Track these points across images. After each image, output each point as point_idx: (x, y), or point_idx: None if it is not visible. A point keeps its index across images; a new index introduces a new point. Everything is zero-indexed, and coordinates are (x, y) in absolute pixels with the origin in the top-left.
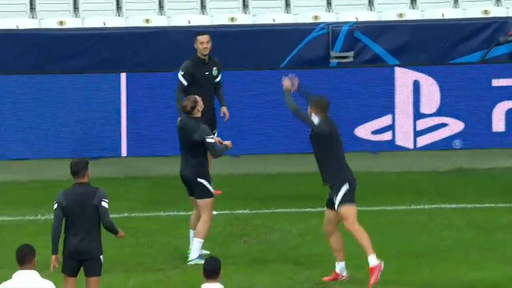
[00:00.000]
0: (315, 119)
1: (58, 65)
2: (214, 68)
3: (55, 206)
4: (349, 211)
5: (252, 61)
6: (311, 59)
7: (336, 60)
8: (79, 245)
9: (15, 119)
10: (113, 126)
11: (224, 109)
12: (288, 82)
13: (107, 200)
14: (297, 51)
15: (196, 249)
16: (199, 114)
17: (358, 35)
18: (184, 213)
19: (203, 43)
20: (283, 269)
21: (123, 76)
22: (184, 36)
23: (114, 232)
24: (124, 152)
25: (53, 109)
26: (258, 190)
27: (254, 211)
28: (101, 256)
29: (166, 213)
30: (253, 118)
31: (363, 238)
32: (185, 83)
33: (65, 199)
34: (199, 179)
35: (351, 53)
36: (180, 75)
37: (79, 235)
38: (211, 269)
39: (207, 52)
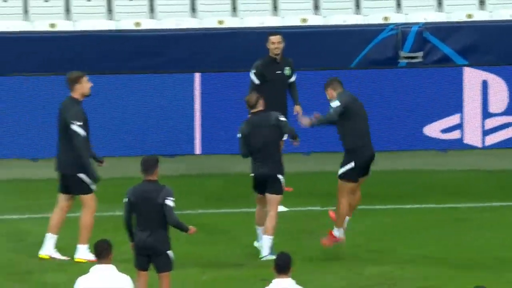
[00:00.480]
0: (334, 102)
1: (135, 64)
2: (287, 68)
3: (125, 200)
4: (344, 185)
5: (322, 61)
6: (380, 59)
7: (406, 61)
8: (146, 241)
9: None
10: (187, 125)
11: (297, 108)
12: (306, 120)
13: (172, 199)
14: (367, 52)
15: (267, 246)
16: (261, 108)
17: (427, 36)
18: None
19: (274, 43)
20: (352, 265)
21: (197, 75)
22: (257, 37)
23: (183, 229)
24: (198, 150)
25: (129, 108)
26: (327, 187)
27: (324, 208)
28: (169, 252)
29: (239, 210)
30: None
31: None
32: (256, 82)
33: (133, 194)
34: (278, 175)
35: (420, 54)
36: (252, 74)
37: (146, 231)
38: (283, 264)
39: (278, 52)
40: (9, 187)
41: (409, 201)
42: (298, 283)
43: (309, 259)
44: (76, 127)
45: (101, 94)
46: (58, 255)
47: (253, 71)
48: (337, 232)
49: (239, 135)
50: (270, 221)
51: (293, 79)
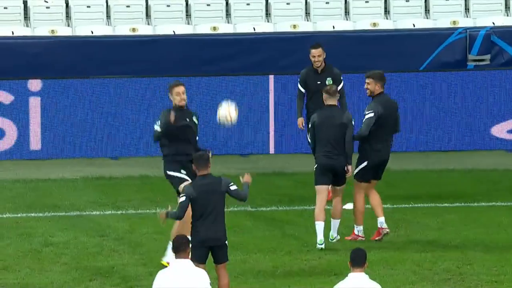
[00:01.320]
0: (369, 114)
1: (212, 67)
2: (328, 78)
3: (183, 198)
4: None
5: (393, 64)
6: (449, 62)
7: (473, 63)
8: (208, 233)
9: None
10: (262, 125)
11: None
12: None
13: (233, 183)
14: (436, 55)
15: (335, 229)
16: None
17: (494, 39)
18: (328, 207)
19: (314, 57)
20: (422, 260)
21: (271, 78)
22: (329, 40)
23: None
24: (272, 150)
25: (205, 109)
26: (398, 186)
27: (394, 206)
28: (227, 242)
29: (311, 207)
30: None
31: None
32: (302, 90)
33: (195, 190)
34: (348, 167)
35: (488, 56)
36: (299, 83)
37: (211, 224)
38: (358, 259)
39: (318, 65)
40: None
41: (479, 199)
42: (371, 278)
43: (379, 255)
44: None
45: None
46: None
47: (299, 80)
48: (356, 230)
49: (309, 125)
50: (337, 206)
51: (339, 88)
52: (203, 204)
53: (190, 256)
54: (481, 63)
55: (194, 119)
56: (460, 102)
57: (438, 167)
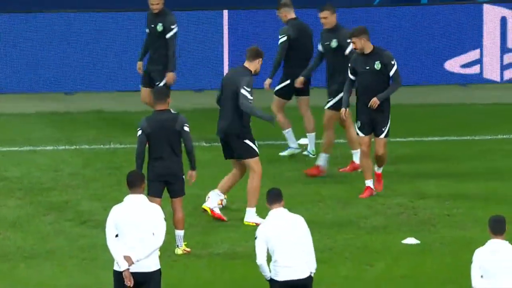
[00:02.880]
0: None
1: None
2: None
3: (139, 132)
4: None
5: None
6: None
7: None
8: (165, 167)
9: None
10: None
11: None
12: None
13: (188, 125)
14: None
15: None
16: None
17: None
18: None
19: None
20: (375, 195)
21: (225, 13)
22: None
23: (194, 158)
24: None
25: None
26: None
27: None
28: (184, 176)
29: (265, 142)
30: None
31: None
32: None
33: (148, 125)
34: None
35: None
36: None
37: (165, 159)
38: (497, 226)
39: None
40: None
41: (432, 134)
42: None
43: (333, 191)
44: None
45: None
46: (217, 211)
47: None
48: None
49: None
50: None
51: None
52: (158, 140)
53: (145, 191)
54: None
55: None
56: (413, 37)
57: (392, 102)
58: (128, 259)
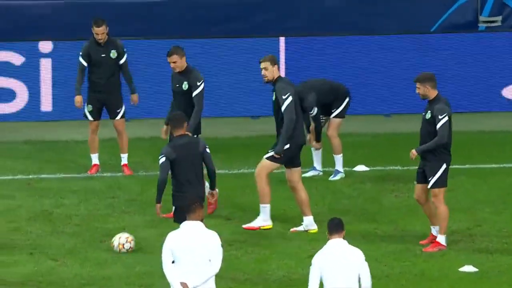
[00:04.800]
0: (442, 118)
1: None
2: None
3: (163, 159)
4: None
5: (404, 25)
6: (460, 24)
7: (485, 25)
8: (192, 192)
9: None
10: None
11: None
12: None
13: (208, 147)
14: (447, 16)
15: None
16: None
17: (506, 0)
18: None
19: (97, 34)
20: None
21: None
22: None
23: (215, 178)
24: None
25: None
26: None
27: (405, 168)
28: None
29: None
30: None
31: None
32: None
33: (173, 151)
34: None
35: (499, 18)
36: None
37: (191, 183)
38: (335, 226)
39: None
40: None
41: (489, 161)
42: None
43: (388, 216)
44: None
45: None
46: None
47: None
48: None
49: None
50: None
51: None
52: (184, 163)
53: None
54: (492, 24)
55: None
56: (470, 63)
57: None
58: (184, 285)
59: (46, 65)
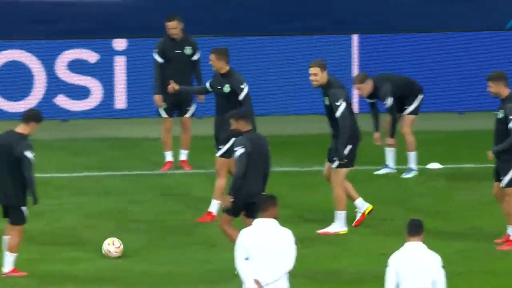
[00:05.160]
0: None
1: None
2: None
3: (243, 150)
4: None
5: (475, 22)
6: None
7: None
8: (260, 189)
9: None
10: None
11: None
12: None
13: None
14: None
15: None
16: None
17: None
18: None
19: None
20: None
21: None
22: None
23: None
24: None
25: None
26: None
27: (478, 165)
28: None
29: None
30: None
31: None
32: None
33: (250, 144)
34: None
35: None
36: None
37: (257, 179)
38: (415, 228)
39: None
40: None
41: None
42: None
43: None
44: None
45: None
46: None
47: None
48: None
49: None
50: None
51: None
52: (257, 158)
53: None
54: None
55: None
56: None
57: None
58: (257, 282)
59: (120, 63)
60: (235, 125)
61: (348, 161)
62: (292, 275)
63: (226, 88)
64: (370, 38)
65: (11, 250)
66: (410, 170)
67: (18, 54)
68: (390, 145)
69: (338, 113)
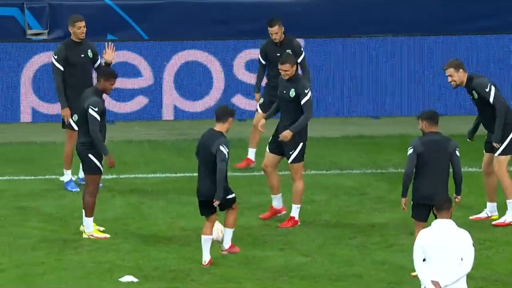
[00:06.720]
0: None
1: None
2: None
3: (411, 151)
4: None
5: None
6: None
7: None
8: (427, 190)
9: None
10: None
11: None
12: None
13: (458, 149)
14: None
15: None
16: None
17: None
18: None
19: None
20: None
21: None
22: None
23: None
24: None
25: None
26: None
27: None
28: None
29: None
30: None
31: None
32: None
33: (422, 144)
34: None
35: None
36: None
37: (433, 180)
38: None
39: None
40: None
41: None
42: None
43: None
44: None
45: None
46: None
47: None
48: None
49: None
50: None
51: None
52: (429, 161)
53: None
54: None
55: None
56: None
57: None
58: (435, 284)
59: None
60: (420, 125)
61: (508, 147)
62: (470, 277)
63: (292, 93)
64: None
65: (230, 226)
66: None
67: (195, 54)
68: None
69: (491, 98)
